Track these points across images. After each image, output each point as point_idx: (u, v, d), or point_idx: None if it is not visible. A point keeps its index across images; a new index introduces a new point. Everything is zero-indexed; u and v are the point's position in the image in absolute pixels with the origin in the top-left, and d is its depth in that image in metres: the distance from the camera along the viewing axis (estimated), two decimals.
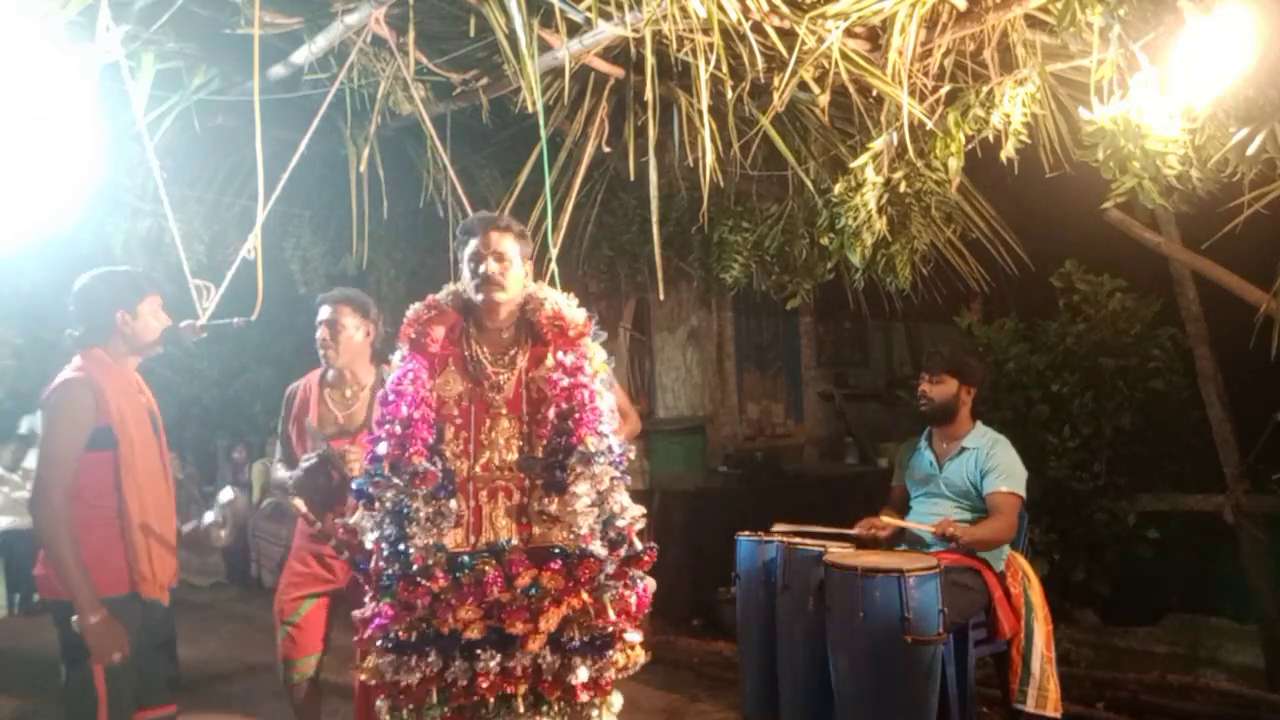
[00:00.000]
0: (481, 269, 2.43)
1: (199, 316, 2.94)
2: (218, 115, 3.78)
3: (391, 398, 2.39)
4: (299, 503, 3.12)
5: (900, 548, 3.68)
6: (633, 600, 2.36)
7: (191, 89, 3.53)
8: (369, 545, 2.34)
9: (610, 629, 2.32)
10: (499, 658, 2.26)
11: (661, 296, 4.06)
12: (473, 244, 2.47)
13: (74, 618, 2.61)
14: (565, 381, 2.41)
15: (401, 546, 2.28)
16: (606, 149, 3.88)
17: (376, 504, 2.33)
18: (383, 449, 2.34)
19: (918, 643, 3.04)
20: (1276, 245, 3.12)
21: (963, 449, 3.63)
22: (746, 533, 3.72)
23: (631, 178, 3.54)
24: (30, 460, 7.02)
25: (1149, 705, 4.15)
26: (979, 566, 3.48)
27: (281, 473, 3.35)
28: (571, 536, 2.33)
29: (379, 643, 2.30)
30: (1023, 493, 3.53)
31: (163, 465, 2.95)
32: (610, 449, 2.39)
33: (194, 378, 8.69)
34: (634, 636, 2.38)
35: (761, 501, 5.95)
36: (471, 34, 3.24)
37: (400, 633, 2.28)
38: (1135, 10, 2.48)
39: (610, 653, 2.33)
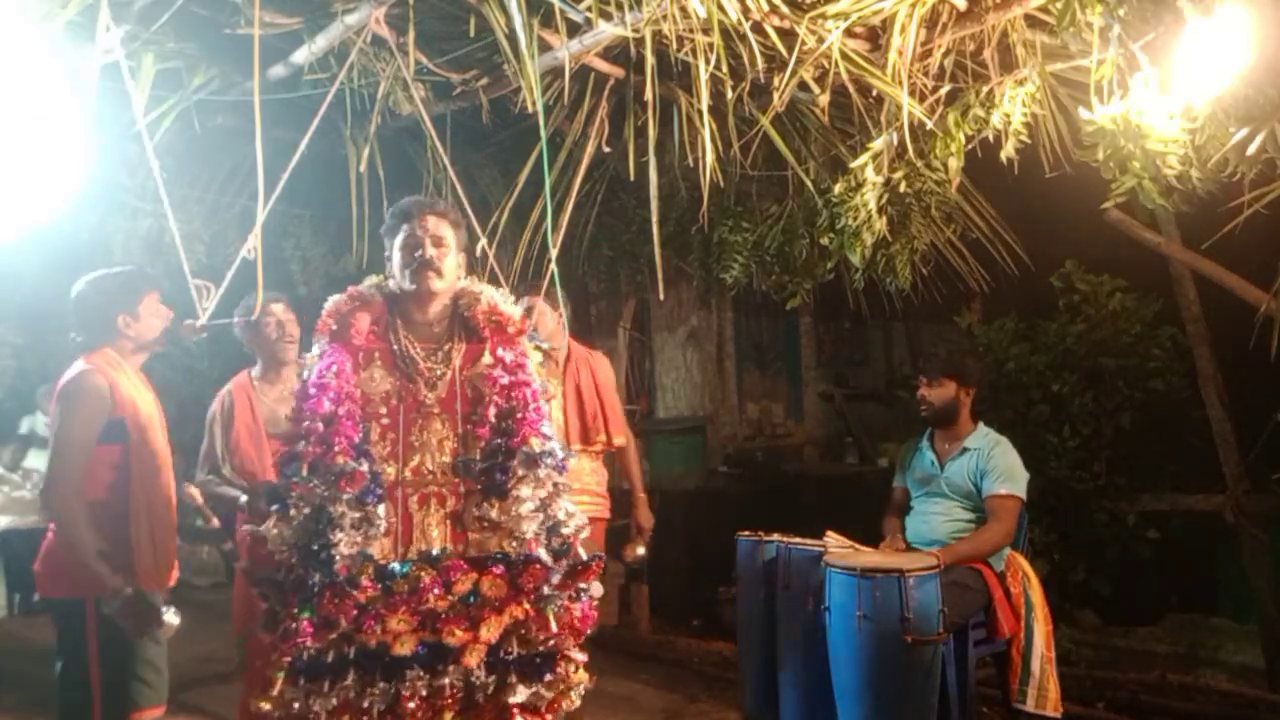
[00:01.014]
0: (418, 253, 2.27)
1: (199, 316, 2.94)
2: (218, 115, 3.78)
3: (312, 392, 2.16)
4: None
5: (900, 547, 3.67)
6: (577, 613, 2.19)
7: (191, 89, 3.52)
8: (279, 557, 2.11)
9: (552, 643, 2.15)
10: (427, 677, 2.06)
11: (661, 296, 4.05)
12: (406, 228, 2.31)
13: (108, 603, 2.60)
14: (505, 379, 2.27)
15: (324, 556, 2.04)
16: (606, 149, 3.88)
17: (293, 510, 2.09)
18: (302, 447, 2.12)
19: (918, 643, 3.04)
20: (1276, 245, 3.12)
21: (964, 449, 3.63)
22: (746, 533, 3.72)
23: (631, 178, 3.54)
24: (30, 460, 7.02)
25: (1149, 705, 4.15)
26: (979, 566, 3.47)
27: (220, 486, 3.34)
28: (514, 543, 2.18)
29: (289, 666, 2.04)
30: (1023, 495, 3.53)
31: (167, 463, 2.96)
32: (554, 452, 2.24)
33: (194, 378, 8.67)
34: (578, 655, 2.20)
35: (761, 501, 5.96)
36: (471, 34, 3.24)
37: (317, 654, 2.03)
38: (1135, 10, 2.48)
39: (550, 674, 2.15)
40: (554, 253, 3.16)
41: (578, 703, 2.23)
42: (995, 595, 3.45)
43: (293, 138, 3.16)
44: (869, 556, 3.40)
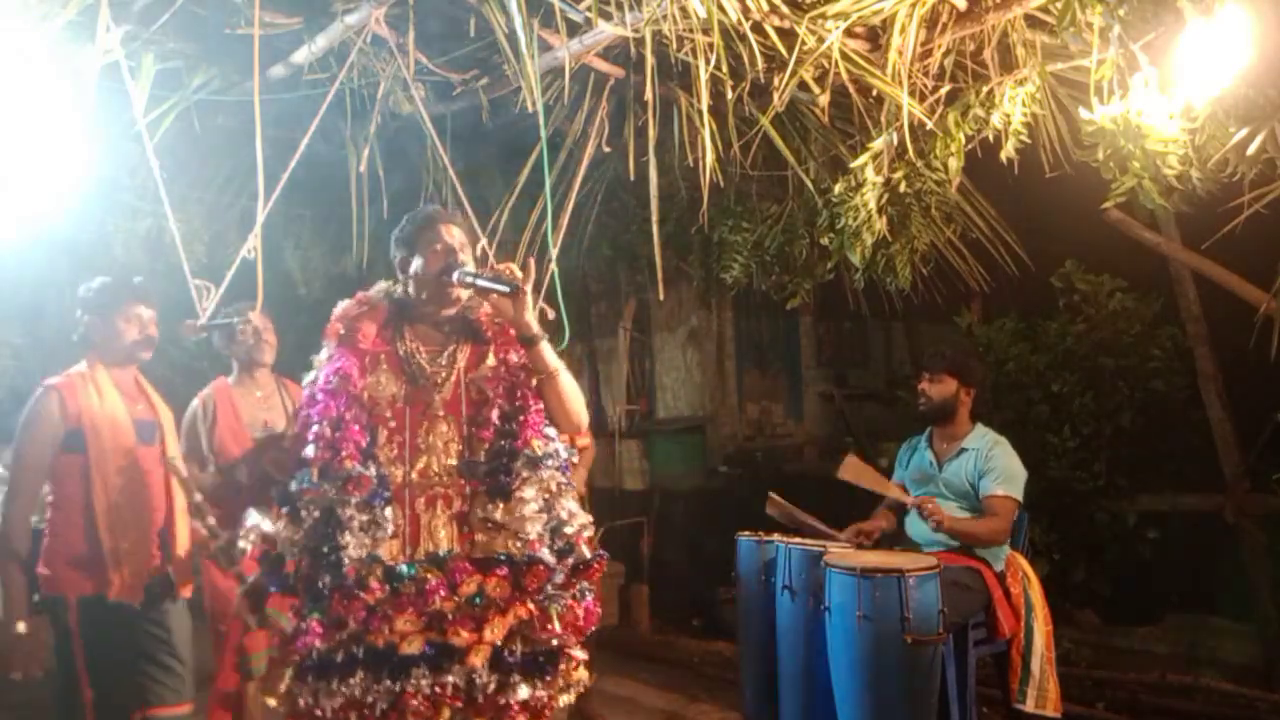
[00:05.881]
0: (452, 260, 2.28)
1: (199, 316, 2.95)
2: (218, 115, 3.78)
3: (319, 397, 2.20)
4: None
5: (899, 548, 3.68)
6: (580, 613, 2.23)
7: (191, 89, 3.53)
8: (288, 559, 2.15)
9: (555, 643, 2.19)
10: (431, 676, 2.08)
11: (661, 296, 4.05)
12: (431, 236, 2.31)
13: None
14: (508, 381, 2.30)
15: (334, 558, 2.08)
16: (606, 149, 3.88)
17: (303, 513, 2.13)
18: (311, 452, 2.15)
19: (918, 643, 3.04)
20: (1276, 245, 3.12)
21: (962, 449, 3.63)
22: (746, 533, 3.72)
23: (631, 178, 3.54)
24: None
25: (1149, 705, 4.15)
26: (979, 566, 3.48)
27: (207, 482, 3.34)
28: (518, 544, 2.19)
29: (298, 665, 2.08)
30: (1020, 496, 3.52)
31: (145, 471, 2.93)
32: (557, 453, 2.27)
33: (194, 378, 8.66)
34: (579, 654, 2.24)
35: (761, 501, 5.95)
36: (471, 34, 3.24)
37: (326, 653, 2.07)
38: (1135, 10, 2.48)
39: (552, 673, 2.18)
40: (554, 252, 3.16)
41: (573, 699, 2.27)
42: (995, 595, 3.45)
43: (293, 138, 3.17)
44: (869, 556, 3.40)
